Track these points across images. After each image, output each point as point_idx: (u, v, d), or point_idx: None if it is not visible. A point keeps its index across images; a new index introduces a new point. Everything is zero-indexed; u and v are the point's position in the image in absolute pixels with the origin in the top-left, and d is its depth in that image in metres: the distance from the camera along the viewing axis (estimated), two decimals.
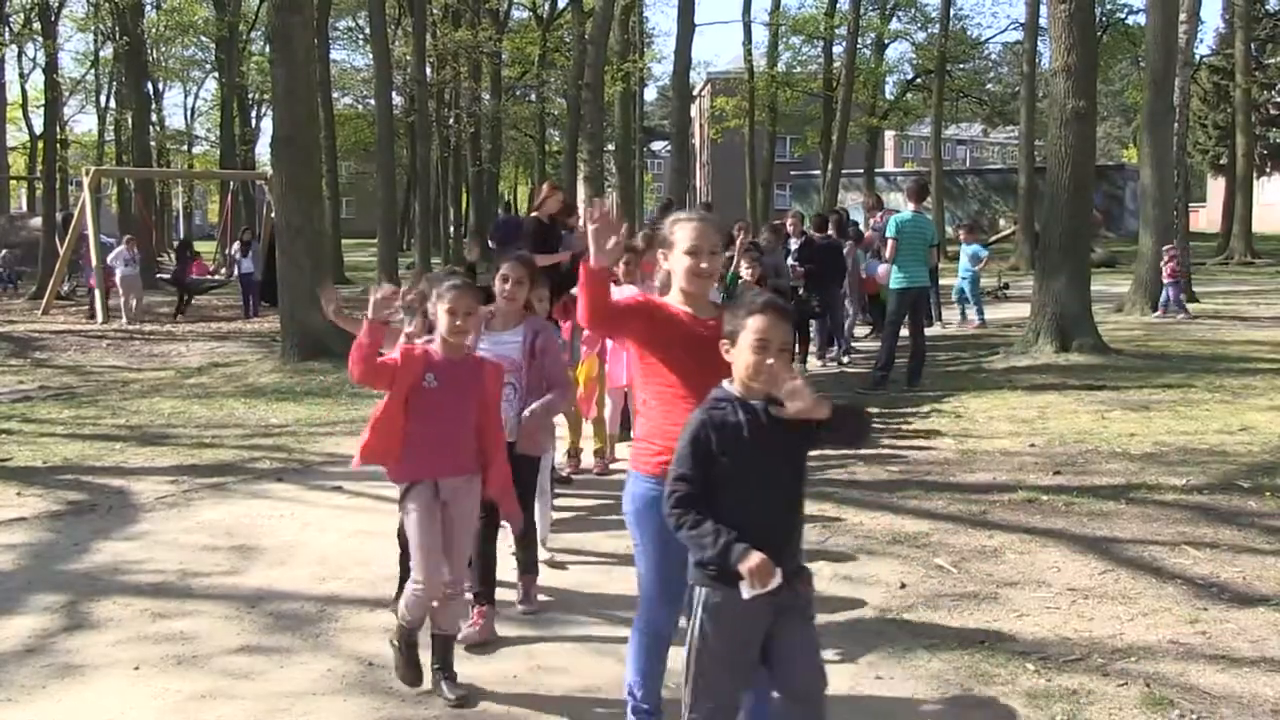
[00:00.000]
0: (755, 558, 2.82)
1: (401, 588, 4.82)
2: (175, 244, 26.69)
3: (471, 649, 4.52)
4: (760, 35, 44.07)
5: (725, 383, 3.11)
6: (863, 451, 8.26)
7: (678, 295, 3.49)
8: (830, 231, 13.63)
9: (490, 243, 11.32)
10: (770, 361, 2.99)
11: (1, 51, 31.62)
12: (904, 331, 11.31)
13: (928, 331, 12.54)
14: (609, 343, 7.69)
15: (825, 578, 5.38)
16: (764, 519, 2.96)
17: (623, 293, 7.62)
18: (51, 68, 30.72)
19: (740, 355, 3.04)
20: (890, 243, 11.01)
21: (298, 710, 4.05)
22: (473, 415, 4.16)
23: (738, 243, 10.38)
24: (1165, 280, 17.63)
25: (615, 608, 4.92)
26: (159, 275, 25.06)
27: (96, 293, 20.74)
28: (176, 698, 4.15)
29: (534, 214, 9.89)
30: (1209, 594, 5.03)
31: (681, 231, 3.47)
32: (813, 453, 3.13)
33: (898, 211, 11.77)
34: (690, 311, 3.43)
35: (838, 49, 39.32)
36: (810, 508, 6.70)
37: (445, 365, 4.11)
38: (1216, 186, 47.35)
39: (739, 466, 2.97)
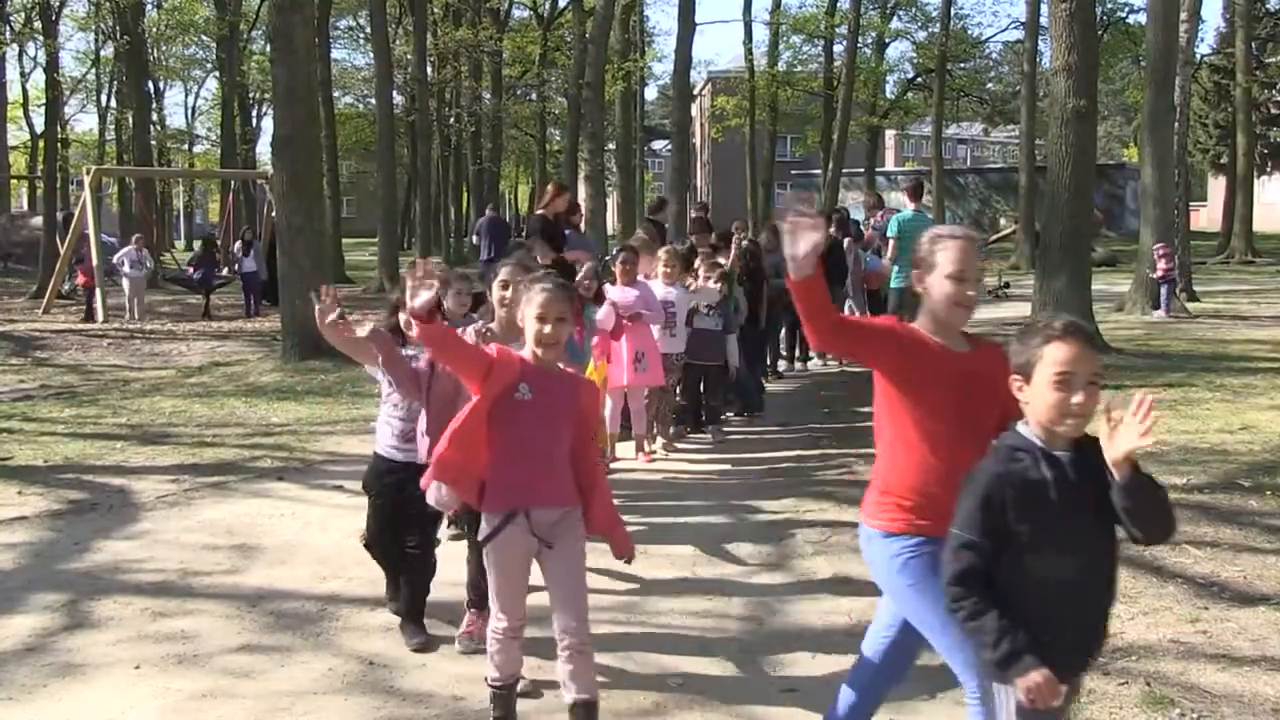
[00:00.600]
0: (1037, 675, 2.44)
1: (393, 591, 4.86)
2: (200, 243, 26.52)
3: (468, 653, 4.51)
4: (761, 34, 44.14)
5: (1020, 426, 2.64)
6: (864, 451, 8.28)
7: (928, 322, 3.02)
8: (832, 230, 13.61)
9: (475, 243, 11.44)
10: (1078, 400, 2.52)
11: (2, 50, 31.58)
12: None
13: None
14: (618, 346, 7.70)
15: (826, 577, 5.39)
16: (1076, 599, 2.56)
17: (625, 295, 7.68)
18: (52, 67, 30.70)
19: (1038, 394, 2.56)
20: (891, 242, 11.00)
21: (298, 709, 4.05)
22: (568, 438, 3.60)
23: (732, 241, 10.42)
24: (1157, 278, 17.67)
25: (613, 610, 4.92)
26: (165, 278, 25.08)
27: (98, 292, 20.74)
28: (177, 697, 4.15)
29: (539, 212, 9.98)
30: (1210, 593, 5.03)
31: (945, 253, 2.99)
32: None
33: (898, 210, 11.77)
34: (943, 343, 2.98)
35: (838, 48, 39.33)
36: (810, 507, 6.73)
37: (539, 377, 3.55)
38: (1217, 186, 47.34)
39: (1044, 533, 2.51)
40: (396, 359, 4.35)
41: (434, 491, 4.04)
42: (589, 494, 3.67)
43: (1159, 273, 17.58)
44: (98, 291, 20.74)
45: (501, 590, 3.62)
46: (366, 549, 4.92)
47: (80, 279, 21.20)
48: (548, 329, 3.54)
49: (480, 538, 3.63)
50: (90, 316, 20.49)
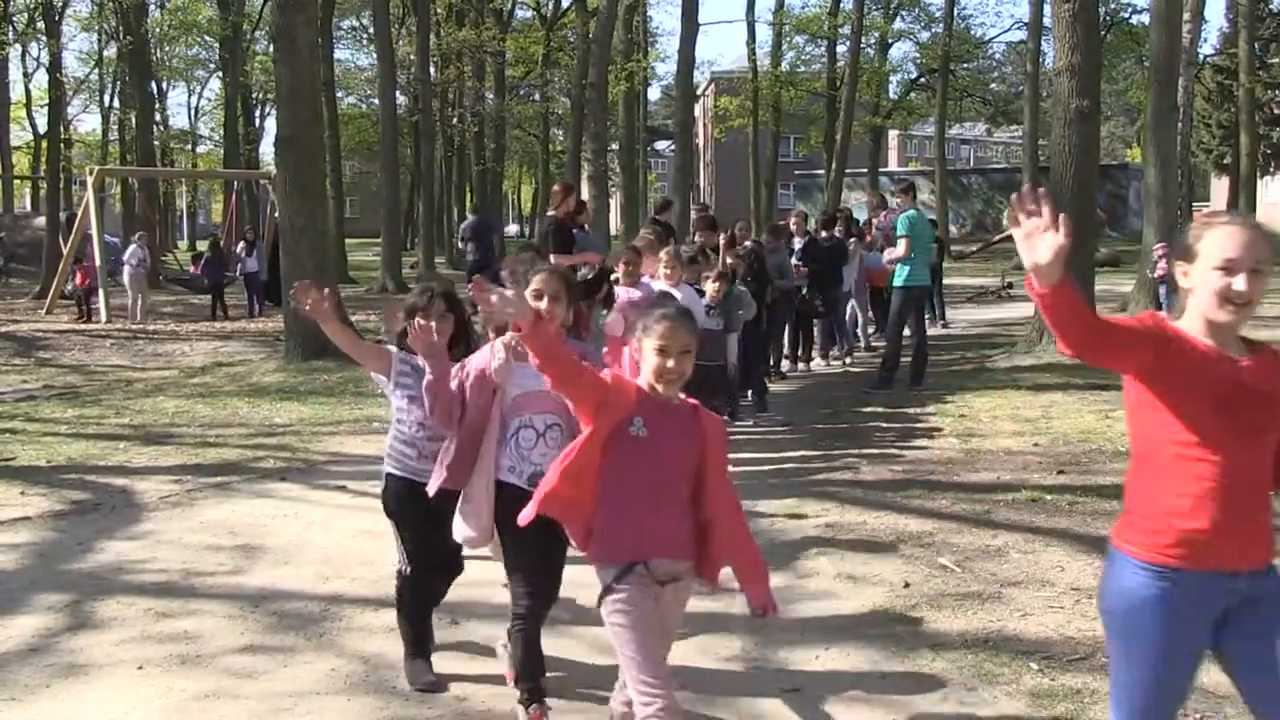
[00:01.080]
0: None
1: (402, 595, 4.35)
2: (208, 243, 26.52)
3: None
4: (764, 35, 44.11)
5: None
6: (866, 451, 8.28)
7: (1197, 324, 2.59)
8: (837, 231, 13.56)
9: (460, 244, 11.53)
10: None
11: (5, 51, 31.65)
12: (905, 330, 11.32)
13: (930, 330, 12.65)
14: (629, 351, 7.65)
15: (829, 577, 5.38)
16: None
17: (629, 295, 7.66)
18: (55, 67, 30.77)
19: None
20: (905, 241, 10.93)
21: (301, 710, 4.05)
22: (687, 482, 3.20)
23: (723, 240, 10.44)
24: (1156, 277, 17.68)
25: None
26: (168, 279, 25.11)
27: (101, 292, 20.76)
28: (180, 697, 4.15)
29: (550, 214, 10.05)
30: None
31: (1214, 240, 2.53)
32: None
33: (902, 210, 11.72)
34: (1217, 347, 2.56)
35: (841, 48, 39.37)
36: (814, 506, 6.72)
37: (657, 411, 3.14)
38: (1220, 186, 47.32)
39: None
40: (446, 382, 3.87)
41: (461, 528, 3.89)
42: (728, 540, 3.24)
43: (1159, 272, 17.60)
44: (100, 292, 20.77)
45: (639, 654, 3.04)
46: (400, 596, 4.37)
47: (78, 278, 21.14)
48: (670, 363, 3.11)
49: (600, 598, 3.15)
50: (88, 317, 20.48)
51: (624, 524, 3.13)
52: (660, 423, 3.13)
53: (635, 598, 3.08)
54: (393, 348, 4.27)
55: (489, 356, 3.85)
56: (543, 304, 3.24)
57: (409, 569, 4.28)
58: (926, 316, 14.24)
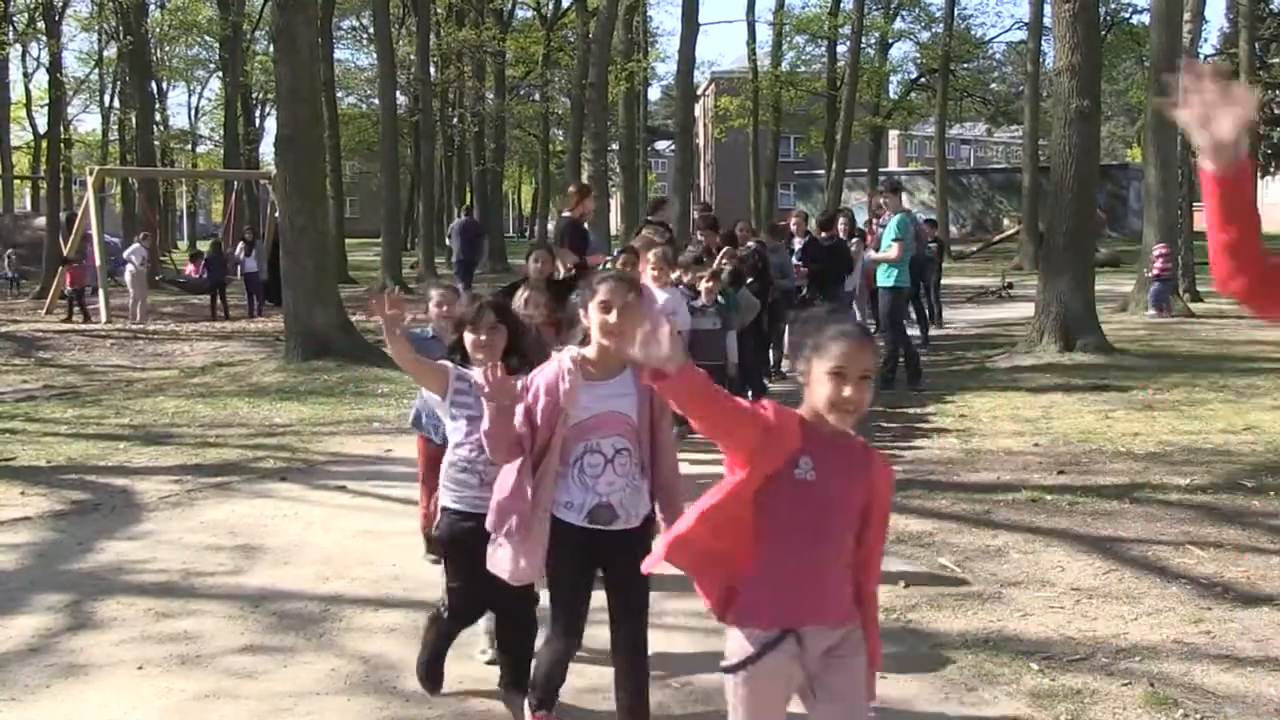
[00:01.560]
0: None
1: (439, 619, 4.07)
2: (210, 244, 26.51)
3: None
4: (764, 35, 44.15)
5: None
6: None
7: None
8: (841, 232, 13.52)
9: (450, 246, 11.66)
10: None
11: (5, 51, 31.65)
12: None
13: (931, 331, 12.70)
14: None
15: None
16: None
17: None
18: (55, 67, 30.76)
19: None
20: (897, 244, 10.95)
21: (301, 710, 4.05)
22: (853, 533, 2.70)
23: (712, 239, 10.46)
24: (1152, 276, 17.72)
25: None
26: (165, 279, 25.09)
27: (101, 292, 20.75)
28: (180, 697, 4.16)
29: (567, 215, 10.22)
30: (1213, 594, 5.02)
31: None
32: None
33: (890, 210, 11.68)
34: None
35: (842, 48, 39.39)
36: None
37: (826, 449, 2.64)
38: None
39: None
40: (507, 426, 3.38)
41: (504, 561, 3.45)
42: (869, 604, 2.77)
43: (1154, 271, 17.66)
44: (101, 292, 20.76)
45: None
46: (427, 632, 4.10)
47: (67, 279, 20.99)
48: (847, 391, 2.57)
49: (728, 663, 2.68)
50: (82, 317, 20.42)
51: (779, 584, 2.62)
52: (830, 463, 2.63)
53: (773, 676, 2.63)
54: (448, 363, 3.90)
55: (556, 376, 3.38)
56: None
57: (447, 613, 3.95)
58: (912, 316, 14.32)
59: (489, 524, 3.48)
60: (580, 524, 3.39)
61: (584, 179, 25.20)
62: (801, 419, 2.65)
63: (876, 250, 11.60)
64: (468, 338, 3.82)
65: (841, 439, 2.67)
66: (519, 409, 3.39)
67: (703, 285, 8.63)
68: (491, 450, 3.37)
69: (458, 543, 3.83)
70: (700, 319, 8.72)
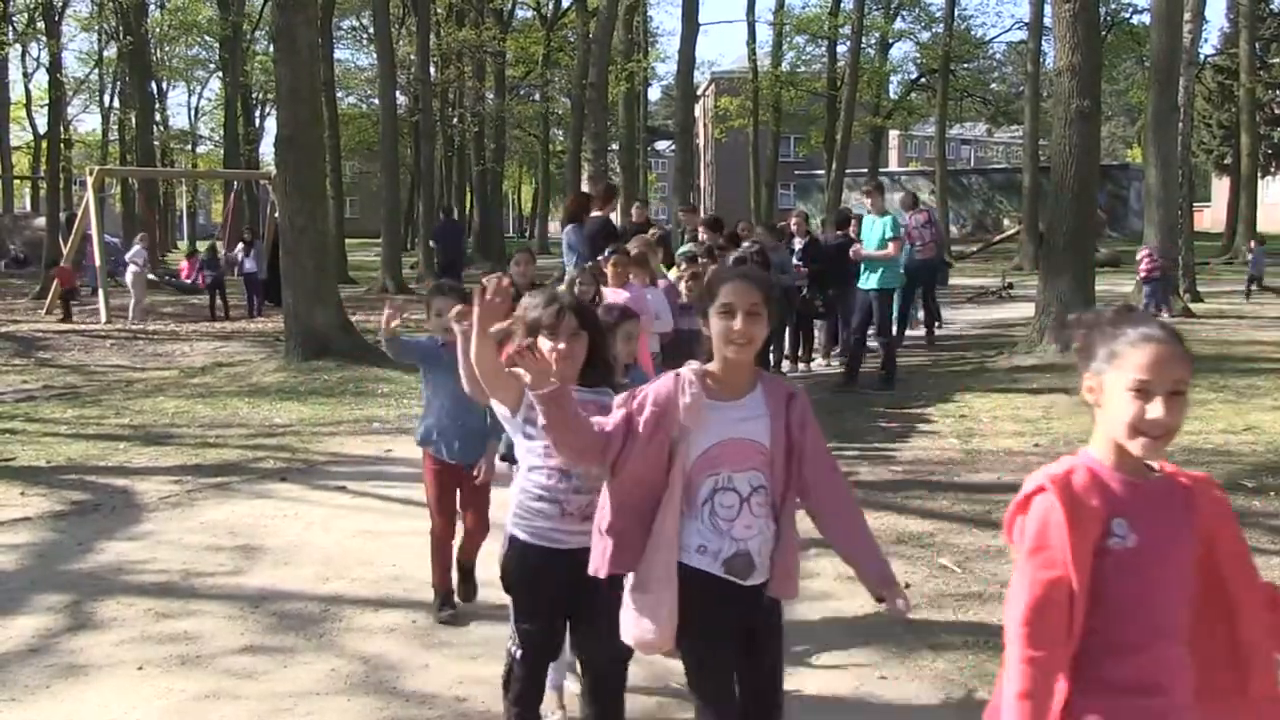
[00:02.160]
0: None
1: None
2: (210, 244, 26.51)
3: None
4: (764, 35, 44.16)
5: None
6: (867, 451, 8.28)
7: None
8: (852, 233, 13.47)
9: (432, 246, 11.88)
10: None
11: (5, 51, 31.67)
12: (873, 342, 11.33)
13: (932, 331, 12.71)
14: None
15: (828, 577, 5.37)
16: None
17: (616, 297, 7.60)
18: (55, 67, 30.81)
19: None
20: (894, 243, 10.95)
21: (301, 710, 4.05)
22: (1189, 596, 2.09)
23: (703, 233, 10.54)
24: (1140, 278, 17.73)
25: None
26: (163, 280, 25.10)
27: (101, 292, 20.74)
28: (180, 698, 4.16)
29: (596, 214, 10.46)
30: None
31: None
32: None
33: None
34: None
35: (842, 48, 39.38)
36: None
37: (1144, 501, 2.06)
38: (1221, 186, 47.40)
39: None
40: (574, 424, 2.77)
41: (632, 626, 2.83)
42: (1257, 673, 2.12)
43: (1142, 273, 17.69)
44: (101, 292, 20.74)
45: None
46: (508, 676, 3.47)
47: (58, 281, 20.93)
48: (1159, 412, 2.00)
49: None
50: (68, 317, 20.39)
51: (1134, 688, 2.05)
52: (1149, 517, 2.04)
53: None
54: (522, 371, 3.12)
55: (674, 388, 2.78)
56: (738, 324, 2.47)
57: (520, 653, 3.37)
58: (921, 317, 14.30)
59: (595, 569, 2.90)
60: (718, 573, 2.79)
61: (584, 179, 25.25)
62: (1094, 471, 2.06)
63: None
64: (543, 345, 3.12)
65: (1151, 480, 2.10)
66: (617, 413, 2.83)
67: (682, 285, 8.56)
68: (556, 448, 2.81)
69: (528, 582, 3.31)
70: (689, 319, 8.67)
